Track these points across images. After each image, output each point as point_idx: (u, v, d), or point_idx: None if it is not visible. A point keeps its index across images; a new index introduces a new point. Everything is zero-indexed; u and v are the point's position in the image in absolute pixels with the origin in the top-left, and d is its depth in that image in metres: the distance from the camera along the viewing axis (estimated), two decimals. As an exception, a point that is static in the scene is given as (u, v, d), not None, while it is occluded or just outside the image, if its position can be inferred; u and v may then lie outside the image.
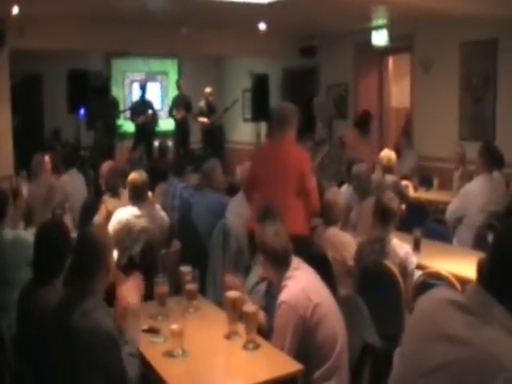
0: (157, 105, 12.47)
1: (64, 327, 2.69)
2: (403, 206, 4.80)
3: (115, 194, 5.45)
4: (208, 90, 11.79)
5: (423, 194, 7.52)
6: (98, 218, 5.40)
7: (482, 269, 1.81)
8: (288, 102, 5.55)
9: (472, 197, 5.71)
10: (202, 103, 11.77)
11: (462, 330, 1.68)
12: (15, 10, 7.26)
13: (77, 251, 2.93)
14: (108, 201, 5.52)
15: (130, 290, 3.07)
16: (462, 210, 5.75)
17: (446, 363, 1.67)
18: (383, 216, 4.30)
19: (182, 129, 11.75)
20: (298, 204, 4.70)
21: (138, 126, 11.45)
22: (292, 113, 5.01)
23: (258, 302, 3.56)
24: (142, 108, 11.41)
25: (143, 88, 11.75)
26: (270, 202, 4.50)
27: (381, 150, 7.48)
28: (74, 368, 2.68)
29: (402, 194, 5.78)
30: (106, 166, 6.29)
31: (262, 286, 3.74)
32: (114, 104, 11.70)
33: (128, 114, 12.07)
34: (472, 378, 1.62)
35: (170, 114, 11.83)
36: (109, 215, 5.14)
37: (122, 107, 12.55)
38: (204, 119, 11.71)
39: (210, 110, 11.75)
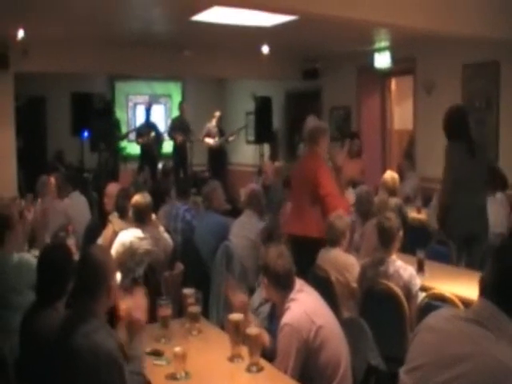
0: (161, 127, 12.52)
1: (66, 348, 2.67)
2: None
3: (123, 215, 5.45)
4: (218, 113, 11.92)
5: (426, 216, 7.49)
6: (103, 238, 5.40)
7: (484, 283, 1.81)
8: (319, 121, 6.15)
9: None
10: (212, 125, 11.83)
11: (472, 343, 1.69)
12: (20, 33, 7.32)
13: (78, 272, 2.92)
14: (115, 221, 5.52)
15: (135, 306, 3.06)
16: None
17: (460, 375, 1.67)
18: (383, 237, 4.31)
19: (180, 152, 11.76)
20: (313, 209, 5.32)
21: (142, 149, 11.47)
22: (319, 132, 5.63)
23: (261, 324, 3.54)
24: (146, 130, 11.46)
25: (148, 111, 11.81)
26: (293, 208, 5.67)
27: (383, 172, 7.47)
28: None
29: (403, 217, 5.76)
30: (112, 187, 6.29)
31: (266, 308, 3.73)
32: (117, 126, 11.74)
33: (132, 135, 12.11)
34: None
35: (169, 135, 11.85)
36: (115, 235, 5.14)
37: (125, 130, 12.59)
38: (211, 140, 11.77)
39: (220, 133, 11.86)
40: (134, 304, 3.06)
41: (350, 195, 6.28)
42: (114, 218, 5.61)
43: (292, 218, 5.64)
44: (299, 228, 5.34)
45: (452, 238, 5.53)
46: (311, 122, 7.31)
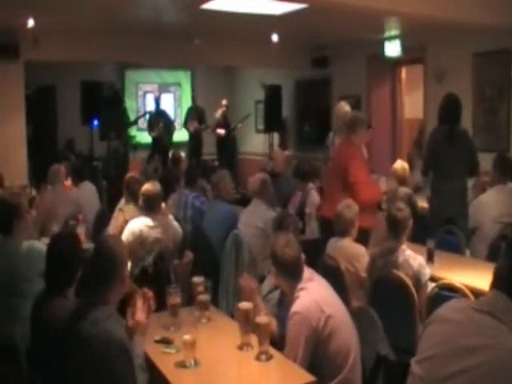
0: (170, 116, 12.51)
1: (75, 336, 2.69)
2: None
3: (135, 202, 5.49)
4: (224, 102, 11.87)
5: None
6: (114, 227, 5.41)
7: (498, 275, 1.79)
8: (358, 112, 6.23)
9: (486, 208, 5.67)
10: (219, 115, 11.82)
11: (485, 335, 1.68)
12: (30, 22, 7.33)
13: (92, 261, 2.93)
14: (127, 210, 5.55)
15: (138, 308, 3.06)
16: (476, 220, 5.72)
17: (472, 366, 1.67)
18: (393, 227, 4.30)
19: (194, 140, 11.80)
20: (343, 195, 5.37)
21: (154, 138, 11.47)
22: (358, 122, 5.77)
23: (271, 311, 3.55)
24: (157, 120, 11.44)
25: (157, 101, 11.79)
26: (326, 192, 5.88)
27: (393, 161, 7.45)
28: (85, 377, 2.67)
29: (413, 207, 5.75)
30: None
31: (275, 295, 3.73)
32: (126, 115, 11.74)
33: (142, 122, 12.10)
34: (501, 380, 1.62)
35: (185, 126, 11.89)
36: (126, 224, 5.16)
37: (134, 118, 12.60)
38: (222, 131, 11.77)
39: (225, 122, 11.83)
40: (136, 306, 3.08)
41: (383, 183, 6.34)
42: (125, 207, 5.64)
43: (325, 202, 5.89)
44: (330, 211, 5.46)
45: (434, 222, 5.81)
46: (342, 108, 7.26)
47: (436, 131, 6.11)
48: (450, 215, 5.76)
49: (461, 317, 1.78)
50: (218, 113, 11.84)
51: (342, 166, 5.57)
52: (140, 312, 3.05)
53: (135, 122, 12.12)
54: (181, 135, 12.27)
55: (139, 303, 3.09)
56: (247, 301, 3.35)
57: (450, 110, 6.00)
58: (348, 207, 4.82)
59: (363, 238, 5.01)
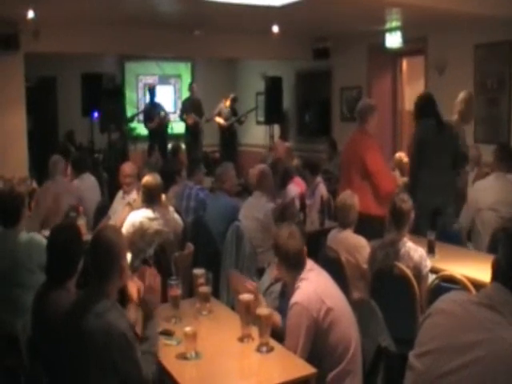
0: (170, 107, 12.46)
1: (78, 329, 2.69)
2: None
3: None
4: (231, 95, 11.98)
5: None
6: (118, 219, 5.41)
7: (497, 266, 1.79)
8: (367, 99, 6.31)
9: (482, 193, 5.69)
10: (224, 106, 11.85)
11: (485, 329, 1.68)
12: (30, 13, 7.30)
13: (91, 253, 2.93)
14: (136, 204, 5.53)
15: (148, 287, 3.06)
16: (474, 206, 5.73)
17: (472, 361, 1.67)
18: (397, 218, 4.29)
19: (192, 133, 11.74)
20: (364, 185, 5.53)
21: (150, 131, 11.44)
22: (367, 110, 5.89)
23: (272, 303, 3.55)
24: (152, 112, 11.40)
25: (152, 91, 11.74)
26: (344, 185, 5.68)
27: (394, 152, 7.44)
28: (88, 369, 2.68)
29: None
30: (127, 166, 6.38)
31: (277, 287, 3.73)
32: (127, 107, 11.71)
33: (141, 117, 12.08)
34: (500, 374, 1.62)
35: (181, 118, 11.84)
36: None
37: (135, 110, 12.56)
38: (221, 120, 11.76)
39: (232, 115, 11.88)
40: (146, 285, 3.07)
41: (396, 173, 6.38)
42: (135, 203, 5.62)
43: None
44: None
45: (422, 212, 5.63)
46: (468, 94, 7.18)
47: (420, 123, 6.09)
48: (437, 205, 5.73)
49: (460, 310, 1.77)
50: (225, 104, 11.89)
51: (358, 156, 5.61)
52: (150, 291, 3.04)
53: (132, 119, 12.11)
54: (179, 127, 12.22)
55: (149, 282, 3.07)
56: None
57: (431, 104, 6.04)
58: (353, 197, 4.85)
59: (380, 226, 5.03)
